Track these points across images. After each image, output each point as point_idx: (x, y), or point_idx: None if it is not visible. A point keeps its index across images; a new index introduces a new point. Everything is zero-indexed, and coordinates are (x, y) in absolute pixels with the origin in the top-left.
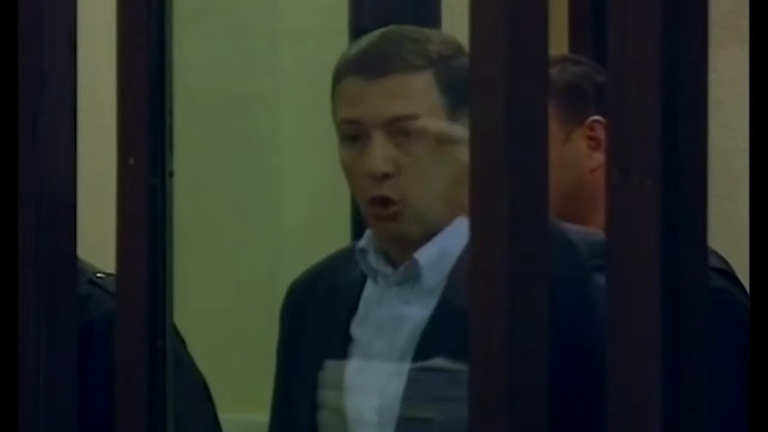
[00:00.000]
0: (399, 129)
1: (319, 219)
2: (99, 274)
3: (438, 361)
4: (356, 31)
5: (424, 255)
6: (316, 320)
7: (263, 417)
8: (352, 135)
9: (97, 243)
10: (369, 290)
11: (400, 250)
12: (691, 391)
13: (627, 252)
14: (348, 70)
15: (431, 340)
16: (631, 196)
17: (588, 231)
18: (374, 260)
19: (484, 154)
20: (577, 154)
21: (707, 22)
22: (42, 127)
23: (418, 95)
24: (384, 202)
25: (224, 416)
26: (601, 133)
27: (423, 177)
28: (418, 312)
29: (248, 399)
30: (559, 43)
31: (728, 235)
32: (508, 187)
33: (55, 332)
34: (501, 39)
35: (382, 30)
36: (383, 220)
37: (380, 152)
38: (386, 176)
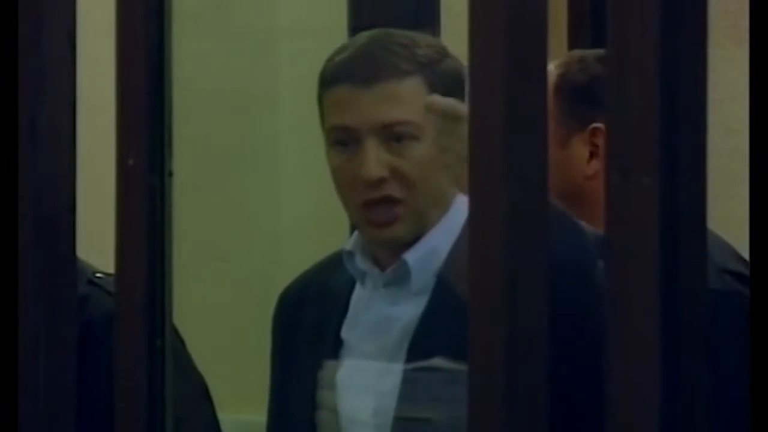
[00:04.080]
0: (391, 134)
1: (318, 219)
2: (98, 274)
3: (436, 361)
4: (355, 30)
5: (412, 256)
6: (307, 326)
7: (263, 417)
8: (343, 141)
9: (97, 243)
10: (358, 293)
11: (388, 252)
12: (690, 392)
13: (626, 252)
14: (337, 75)
15: (423, 340)
16: (629, 196)
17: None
18: (361, 262)
19: (484, 155)
20: (573, 160)
21: (707, 22)
22: (41, 127)
23: (409, 100)
24: (387, 201)
25: (224, 416)
26: (601, 141)
27: (417, 179)
28: (407, 311)
29: (247, 399)
30: (558, 43)
31: (728, 236)
32: (508, 187)
33: (54, 332)
34: (500, 39)
35: (369, 34)
36: (381, 226)
37: (374, 157)
38: (381, 180)
